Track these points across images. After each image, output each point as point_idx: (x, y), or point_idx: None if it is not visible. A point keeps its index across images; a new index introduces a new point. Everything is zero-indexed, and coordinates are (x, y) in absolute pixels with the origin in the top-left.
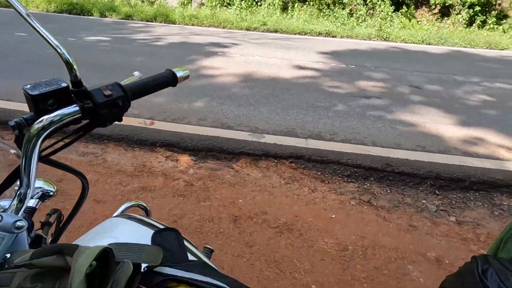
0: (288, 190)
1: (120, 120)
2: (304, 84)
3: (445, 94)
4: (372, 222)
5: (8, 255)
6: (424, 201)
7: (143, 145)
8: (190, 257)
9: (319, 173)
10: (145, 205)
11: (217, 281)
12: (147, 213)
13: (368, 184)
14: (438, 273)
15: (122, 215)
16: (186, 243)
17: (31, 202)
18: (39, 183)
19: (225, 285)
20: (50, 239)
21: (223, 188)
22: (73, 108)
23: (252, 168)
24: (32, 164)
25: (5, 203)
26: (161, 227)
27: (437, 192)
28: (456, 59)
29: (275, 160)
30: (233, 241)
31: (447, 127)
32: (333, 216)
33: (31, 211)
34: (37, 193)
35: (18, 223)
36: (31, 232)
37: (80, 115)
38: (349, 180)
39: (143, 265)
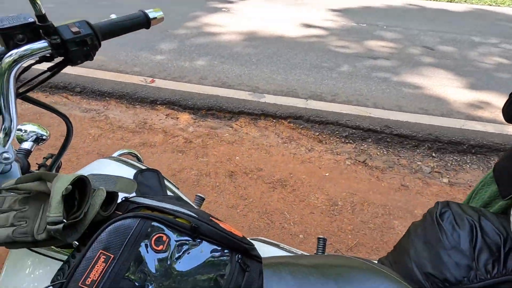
0: (285, 149)
1: (91, 59)
2: (310, 43)
3: (458, 55)
4: (364, 181)
5: None
6: (419, 163)
7: (144, 102)
8: (169, 194)
9: (317, 134)
10: (137, 153)
11: (187, 210)
12: (140, 161)
13: (365, 146)
14: None
15: (111, 157)
16: (167, 183)
17: (26, 145)
18: (33, 128)
19: (193, 214)
20: None
21: (221, 146)
22: (42, 43)
23: (251, 127)
24: (10, 99)
25: None
26: (141, 167)
27: (433, 154)
28: (477, 18)
29: (274, 120)
30: (228, 194)
31: (454, 90)
32: (327, 175)
33: (26, 153)
34: (31, 136)
35: (5, 155)
36: (27, 171)
37: (49, 50)
38: (347, 141)
39: (121, 195)
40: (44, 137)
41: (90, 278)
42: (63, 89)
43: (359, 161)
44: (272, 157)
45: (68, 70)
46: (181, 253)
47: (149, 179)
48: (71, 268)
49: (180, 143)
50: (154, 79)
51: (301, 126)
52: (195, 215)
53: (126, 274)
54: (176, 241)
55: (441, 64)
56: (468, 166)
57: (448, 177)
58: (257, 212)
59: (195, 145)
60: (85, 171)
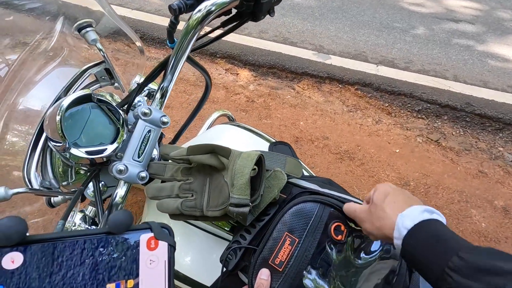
0: (351, 118)
1: (273, 14)
2: None
3: None
4: (438, 162)
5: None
6: (501, 148)
7: (204, 54)
8: (304, 172)
9: (387, 105)
10: (231, 114)
11: (346, 195)
12: None
13: (440, 123)
14: (503, 222)
15: (229, 123)
16: None
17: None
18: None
19: (354, 199)
20: (169, 141)
21: (284, 108)
22: None
23: (314, 91)
24: (182, 59)
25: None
26: (269, 138)
27: None
28: None
29: (340, 85)
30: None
31: None
32: (397, 151)
33: None
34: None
35: (164, 119)
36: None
37: (237, 2)
38: (419, 116)
39: None
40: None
41: (279, 258)
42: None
43: (431, 140)
44: (338, 126)
45: (124, 14)
46: (358, 245)
47: (284, 153)
48: (258, 238)
49: (243, 101)
50: None
51: (369, 95)
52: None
53: (310, 260)
54: (353, 232)
55: None
56: None
57: None
58: None
59: (258, 105)
60: (209, 138)
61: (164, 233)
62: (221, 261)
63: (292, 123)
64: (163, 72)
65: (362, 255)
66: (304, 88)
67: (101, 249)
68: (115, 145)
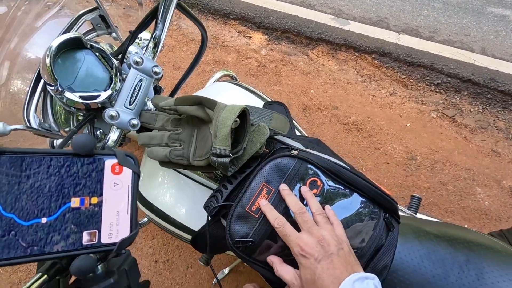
0: (364, 89)
1: None
2: None
3: None
4: (450, 138)
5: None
6: None
7: (217, 15)
8: (296, 132)
9: (404, 77)
10: (235, 75)
11: (339, 160)
12: None
13: (458, 98)
14: (508, 202)
15: (229, 81)
16: None
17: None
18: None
19: (345, 165)
20: (168, 94)
21: (295, 75)
22: None
23: (329, 58)
24: (171, 7)
25: (133, 48)
26: (266, 97)
27: None
28: None
29: (356, 54)
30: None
31: None
32: (408, 125)
33: None
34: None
35: (156, 69)
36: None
37: None
38: (437, 90)
39: None
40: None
41: (255, 205)
42: None
43: (446, 115)
44: (349, 96)
45: None
46: (333, 200)
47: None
48: (238, 193)
49: (253, 66)
50: None
51: (386, 65)
52: (348, 167)
53: (284, 209)
54: (329, 187)
55: None
56: None
57: None
58: None
59: (269, 71)
60: (208, 94)
61: (128, 161)
62: (204, 208)
63: (302, 90)
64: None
65: (338, 209)
66: (318, 55)
67: (67, 168)
68: (108, 92)
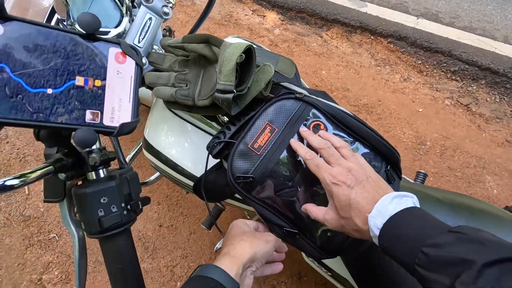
0: (377, 72)
1: None
2: None
3: None
4: (462, 126)
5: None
6: None
7: None
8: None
9: (419, 62)
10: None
11: (343, 108)
12: None
13: (475, 87)
14: None
15: (240, 37)
16: None
17: None
18: None
19: (350, 113)
20: None
21: (308, 56)
22: None
23: (343, 40)
24: None
25: None
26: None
27: None
28: None
29: (372, 37)
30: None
31: None
32: (420, 110)
33: None
34: None
35: (165, 9)
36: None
37: None
38: (453, 78)
39: None
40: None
41: (258, 143)
42: None
43: (461, 104)
44: (361, 79)
45: None
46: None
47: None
48: (242, 131)
49: (266, 44)
50: None
51: (402, 50)
52: (352, 115)
53: (286, 148)
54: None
55: None
56: None
57: None
58: None
59: (281, 50)
60: None
61: (132, 52)
62: (207, 148)
63: (314, 71)
64: None
65: None
66: (333, 37)
67: (73, 47)
68: (118, 29)
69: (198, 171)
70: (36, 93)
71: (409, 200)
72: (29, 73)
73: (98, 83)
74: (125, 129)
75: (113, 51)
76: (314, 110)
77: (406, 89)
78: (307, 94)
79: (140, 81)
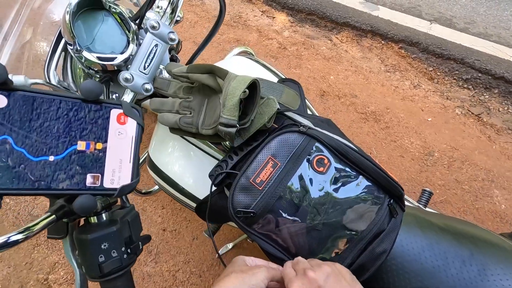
0: (386, 79)
1: None
2: None
3: None
4: (472, 137)
5: (161, 66)
6: None
7: None
8: (308, 111)
9: (431, 69)
10: (252, 51)
11: (348, 142)
12: None
13: (487, 96)
14: None
15: (247, 56)
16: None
17: None
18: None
19: (354, 147)
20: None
21: (316, 60)
22: None
23: (353, 44)
24: None
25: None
26: (281, 75)
27: None
28: None
29: (382, 41)
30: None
31: None
32: (429, 119)
33: None
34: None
35: (171, 35)
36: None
37: None
38: (465, 86)
39: None
40: (179, 19)
41: (260, 178)
42: None
43: (471, 113)
44: (370, 85)
45: None
46: (338, 180)
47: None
48: (243, 165)
49: (274, 47)
50: None
51: (413, 55)
52: (356, 149)
53: (288, 184)
54: (336, 168)
55: None
56: None
57: None
58: None
59: (289, 53)
60: (223, 66)
61: (133, 112)
62: (209, 176)
63: (322, 76)
64: None
65: (342, 190)
66: (342, 41)
67: (75, 112)
68: (124, 55)
69: (199, 193)
70: (38, 161)
71: None
72: (32, 142)
73: (99, 146)
74: (126, 190)
75: (115, 113)
76: (317, 144)
77: (416, 97)
78: (311, 126)
79: (141, 140)
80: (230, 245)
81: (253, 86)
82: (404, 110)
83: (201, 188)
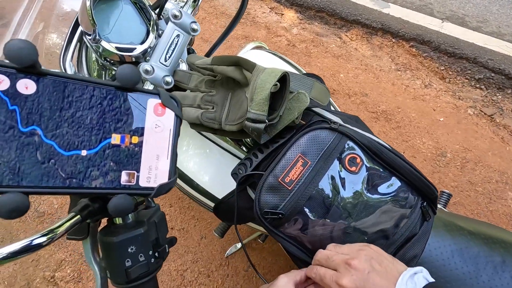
0: (397, 77)
1: None
2: None
3: None
4: (485, 138)
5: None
6: None
7: None
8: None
9: (442, 68)
10: (266, 46)
11: (379, 139)
12: None
13: (500, 96)
14: None
15: (265, 49)
16: None
17: None
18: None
19: (386, 145)
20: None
21: (326, 58)
22: None
23: (363, 42)
24: None
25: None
26: (302, 70)
27: None
28: None
29: (393, 40)
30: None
31: None
32: (441, 120)
33: None
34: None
35: (194, 25)
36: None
37: None
38: (477, 86)
39: None
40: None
41: (289, 177)
42: None
43: (484, 114)
44: (380, 84)
45: None
46: (370, 181)
47: None
48: (269, 163)
49: (283, 44)
50: None
51: (424, 54)
52: (389, 147)
53: (319, 183)
54: (368, 167)
55: None
56: None
57: None
58: None
59: (298, 51)
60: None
61: (172, 103)
62: (232, 175)
63: (332, 74)
64: None
65: (374, 190)
66: (352, 38)
67: (109, 101)
68: (144, 46)
69: (217, 191)
70: (69, 156)
71: (420, 277)
72: (63, 133)
73: (135, 139)
74: (163, 190)
75: (152, 103)
76: (349, 142)
77: (427, 96)
78: (342, 122)
79: (179, 134)
80: (239, 245)
81: (283, 79)
82: (415, 109)
83: (219, 186)
